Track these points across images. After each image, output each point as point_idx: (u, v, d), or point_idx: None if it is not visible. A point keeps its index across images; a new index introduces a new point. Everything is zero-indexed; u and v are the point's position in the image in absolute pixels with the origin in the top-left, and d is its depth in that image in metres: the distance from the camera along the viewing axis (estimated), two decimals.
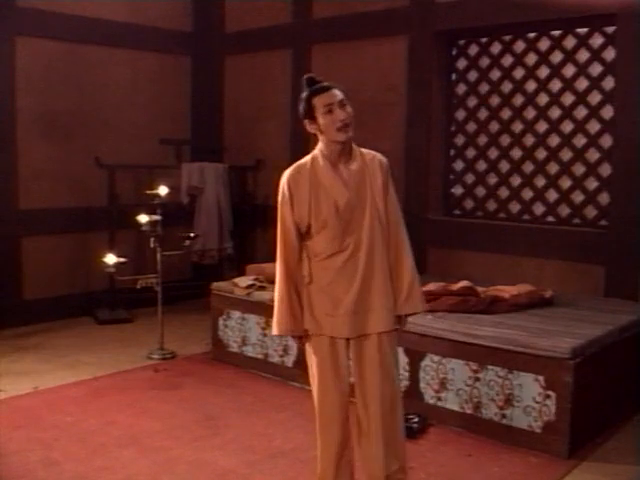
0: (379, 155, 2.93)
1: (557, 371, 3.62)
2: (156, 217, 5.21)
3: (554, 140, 5.29)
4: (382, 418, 2.85)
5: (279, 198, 2.85)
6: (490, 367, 3.84)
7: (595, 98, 5.08)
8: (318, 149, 2.87)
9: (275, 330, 2.92)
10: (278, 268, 2.88)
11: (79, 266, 6.41)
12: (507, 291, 4.52)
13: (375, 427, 2.86)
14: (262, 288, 5.02)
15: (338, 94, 2.78)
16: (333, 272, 2.81)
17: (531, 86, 5.38)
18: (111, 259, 5.19)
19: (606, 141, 5.04)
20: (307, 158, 2.88)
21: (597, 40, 5.05)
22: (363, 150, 2.90)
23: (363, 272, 2.80)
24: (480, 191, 5.71)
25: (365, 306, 2.82)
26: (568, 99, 5.20)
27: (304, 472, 3.44)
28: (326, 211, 2.79)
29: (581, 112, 5.15)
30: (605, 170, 5.06)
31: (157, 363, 5.16)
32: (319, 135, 2.83)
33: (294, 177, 2.83)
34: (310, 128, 2.84)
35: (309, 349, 2.93)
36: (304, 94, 2.83)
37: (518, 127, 5.47)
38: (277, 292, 2.88)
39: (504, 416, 3.80)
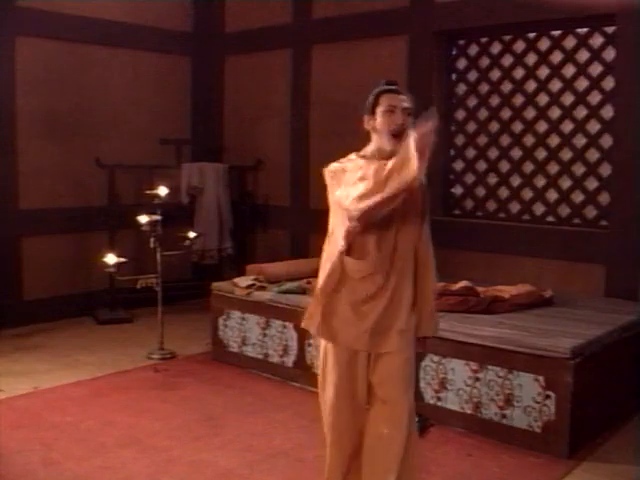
0: None
1: (557, 371, 3.62)
2: (156, 217, 5.20)
3: (554, 140, 5.29)
4: (392, 438, 2.76)
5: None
6: (490, 367, 3.84)
7: (595, 98, 5.08)
8: (368, 148, 2.81)
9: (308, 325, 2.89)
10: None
11: (79, 266, 6.41)
12: (507, 291, 4.52)
13: (384, 447, 2.77)
14: (262, 288, 5.02)
15: (405, 101, 2.75)
16: (363, 282, 2.74)
17: (531, 86, 5.38)
18: (111, 259, 5.18)
19: (606, 141, 5.04)
20: (352, 156, 2.81)
21: (597, 40, 5.05)
22: None
23: (394, 285, 2.74)
24: (480, 191, 5.71)
25: (390, 322, 2.75)
26: (568, 99, 5.20)
27: (304, 472, 3.44)
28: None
29: (581, 112, 5.15)
30: (605, 170, 5.06)
31: (157, 363, 5.16)
32: (372, 134, 2.79)
33: (338, 168, 2.76)
34: (367, 124, 2.79)
35: (326, 355, 2.86)
36: (375, 91, 2.80)
37: (518, 127, 5.47)
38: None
39: (504, 416, 3.80)
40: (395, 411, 2.77)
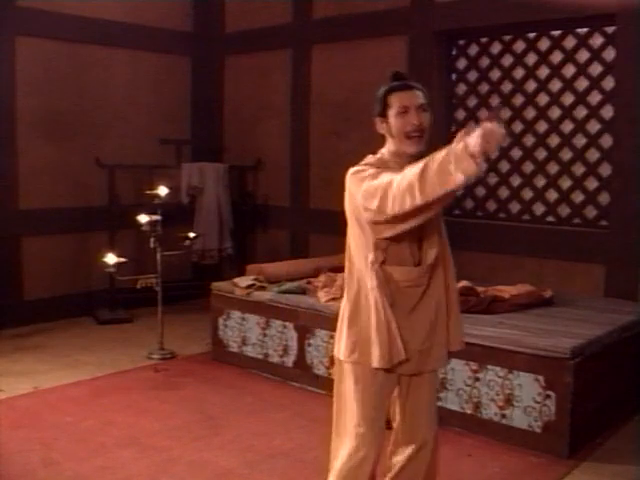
0: None
1: (557, 371, 3.62)
2: (156, 217, 5.20)
3: (554, 140, 5.29)
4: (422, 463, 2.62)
5: (365, 173, 2.40)
6: (490, 367, 3.84)
7: (595, 98, 5.08)
8: (386, 153, 2.51)
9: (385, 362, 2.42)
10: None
11: (79, 266, 6.41)
12: (507, 291, 4.52)
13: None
14: (262, 288, 5.02)
15: (420, 97, 2.46)
16: (407, 297, 2.45)
17: (531, 86, 5.38)
18: (111, 259, 5.18)
19: (606, 141, 5.04)
20: (373, 158, 2.51)
21: (597, 40, 5.04)
22: None
23: (437, 298, 2.50)
24: (480, 191, 5.71)
25: (433, 339, 2.50)
26: (568, 99, 5.20)
27: (304, 472, 3.44)
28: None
29: (581, 112, 5.15)
30: (605, 170, 5.06)
31: (157, 363, 5.16)
32: (388, 138, 2.49)
33: (371, 167, 2.44)
34: (380, 128, 2.50)
35: (349, 380, 2.52)
36: (382, 89, 2.49)
37: (518, 127, 5.47)
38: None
39: (504, 416, 3.80)
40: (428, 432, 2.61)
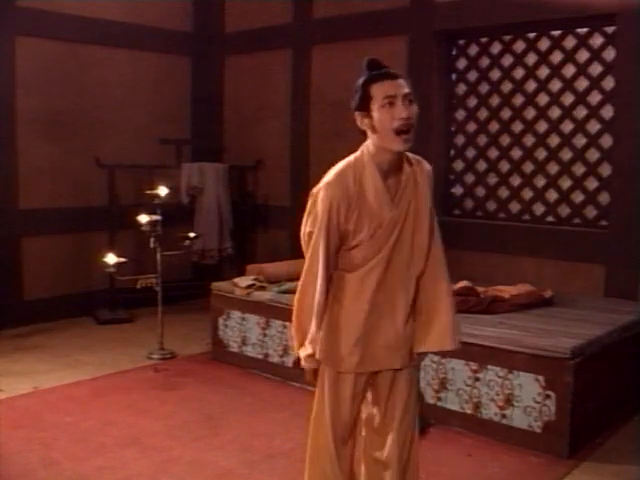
0: (425, 162, 2.48)
1: (557, 371, 3.62)
2: (156, 217, 5.20)
3: (554, 140, 5.29)
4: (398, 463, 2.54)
5: (315, 213, 2.39)
6: (490, 367, 3.84)
7: (595, 98, 5.08)
8: (367, 152, 2.35)
9: (311, 352, 2.42)
10: (303, 283, 2.42)
11: (79, 266, 6.41)
12: (507, 291, 4.52)
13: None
14: (262, 288, 5.02)
15: (405, 86, 2.25)
16: (368, 295, 2.39)
17: (531, 86, 5.38)
18: (111, 259, 5.18)
19: (606, 141, 5.04)
20: (349, 163, 2.36)
21: (597, 40, 5.04)
22: (407, 153, 2.40)
23: (403, 298, 2.43)
24: (480, 191, 5.71)
25: (397, 336, 2.45)
26: (568, 99, 5.20)
27: (304, 472, 3.43)
28: (364, 233, 2.35)
29: (581, 112, 5.15)
30: (605, 170, 5.06)
31: (157, 363, 5.16)
32: (370, 135, 2.31)
33: (335, 195, 2.31)
34: (361, 123, 2.30)
35: (324, 385, 2.51)
36: (361, 80, 2.29)
37: (518, 127, 5.47)
38: (307, 315, 2.41)
39: (504, 416, 3.80)
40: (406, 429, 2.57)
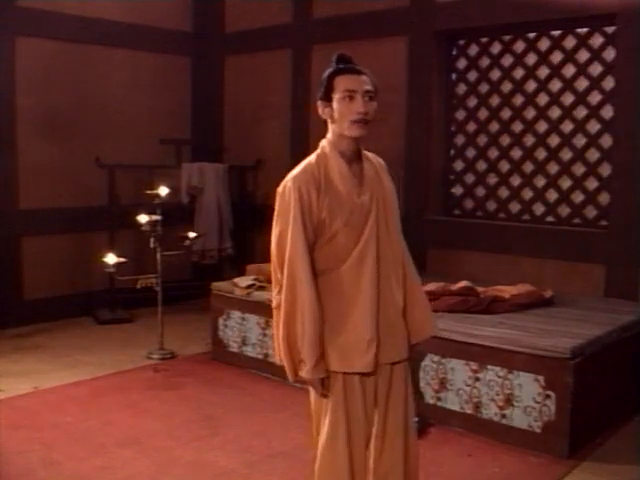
0: (379, 157, 2.55)
1: (557, 371, 3.62)
2: (156, 217, 5.21)
3: (554, 140, 5.29)
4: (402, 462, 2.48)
5: (285, 206, 2.35)
6: (490, 367, 3.84)
7: (595, 98, 5.08)
8: (328, 142, 2.41)
9: (313, 370, 2.33)
10: (288, 292, 2.34)
11: (79, 266, 6.41)
12: (507, 291, 4.52)
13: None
14: (262, 288, 5.02)
15: (367, 82, 2.33)
16: (368, 287, 2.35)
17: (531, 86, 5.38)
18: (111, 259, 5.18)
19: (606, 141, 5.04)
20: (310, 159, 2.40)
21: (597, 40, 5.05)
22: (363, 151, 2.49)
23: (382, 288, 2.38)
24: (480, 191, 5.72)
25: (388, 329, 2.41)
26: (568, 99, 5.20)
27: (304, 472, 3.43)
28: (339, 221, 2.33)
29: (581, 112, 5.15)
30: (605, 170, 5.06)
31: (157, 363, 5.16)
32: (330, 124, 2.39)
33: (304, 182, 2.33)
34: (322, 112, 2.38)
35: (325, 398, 2.42)
36: (327, 72, 2.38)
37: (518, 127, 5.47)
38: (299, 322, 2.33)
39: (504, 416, 3.80)
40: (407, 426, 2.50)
